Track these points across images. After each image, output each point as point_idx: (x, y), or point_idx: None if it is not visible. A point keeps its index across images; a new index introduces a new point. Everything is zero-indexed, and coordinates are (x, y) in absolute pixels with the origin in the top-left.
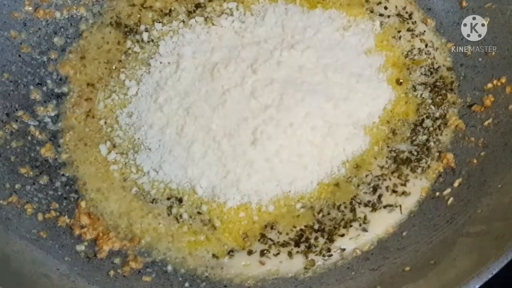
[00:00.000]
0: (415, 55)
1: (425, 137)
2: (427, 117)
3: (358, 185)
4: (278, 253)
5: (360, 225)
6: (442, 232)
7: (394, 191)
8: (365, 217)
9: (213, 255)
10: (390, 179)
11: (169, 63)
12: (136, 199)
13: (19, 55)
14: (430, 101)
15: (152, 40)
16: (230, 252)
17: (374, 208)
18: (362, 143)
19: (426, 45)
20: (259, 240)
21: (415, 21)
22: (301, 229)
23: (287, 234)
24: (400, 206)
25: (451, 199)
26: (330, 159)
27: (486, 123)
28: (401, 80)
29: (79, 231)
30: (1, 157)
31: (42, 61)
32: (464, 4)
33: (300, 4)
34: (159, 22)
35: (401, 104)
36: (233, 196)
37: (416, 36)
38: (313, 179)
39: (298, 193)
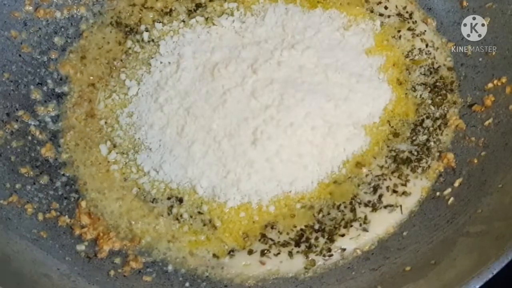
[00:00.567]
0: (415, 55)
1: (425, 137)
2: (427, 117)
3: (359, 185)
4: (279, 253)
5: (360, 225)
6: (442, 232)
7: (394, 191)
8: (365, 217)
9: (214, 255)
10: (390, 179)
11: (169, 63)
12: (136, 199)
13: (20, 55)
14: (430, 101)
15: (153, 40)
16: (231, 252)
17: (374, 208)
18: (362, 143)
19: (427, 45)
20: (259, 240)
21: (416, 21)
22: (301, 229)
23: (287, 234)
24: (401, 206)
25: (451, 199)
26: (330, 159)
27: (486, 123)
28: (401, 81)
29: (79, 231)
30: (2, 157)
31: (43, 61)
32: (464, 4)
33: (300, 4)
34: (160, 22)
35: (401, 104)
36: (233, 196)
37: (417, 36)
38: (313, 179)
39: (299, 193)
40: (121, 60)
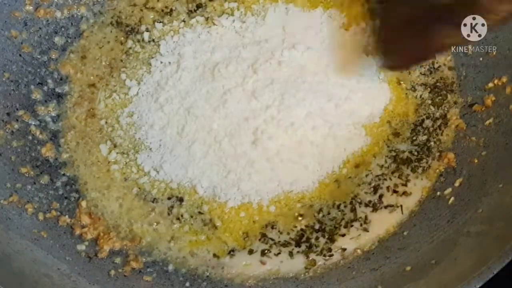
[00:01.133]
0: None
1: (425, 137)
2: (427, 117)
3: (359, 185)
4: (279, 253)
5: (361, 225)
6: (443, 231)
7: (395, 191)
8: (366, 217)
9: (214, 255)
10: (390, 179)
11: (169, 63)
12: (137, 198)
13: (20, 55)
14: (430, 101)
15: (153, 40)
16: (231, 252)
17: (375, 208)
18: (363, 143)
19: None
20: (259, 240)
21: None
22: (301, 229)
23: (288, 234)
24: (401, 206)
25: (452, 198)
26: (331, 159)
27: (487, 122)
28: (401, 81)
29: (79, 231)
30: (2, 156)
31: (43, 61)
32: None
33: (300, 4)
34: (160, 22)
35: (401, 104)
36: (234, 196)
37: None
38: (314, 179)
39: (299, 193)
40: (122, 60)
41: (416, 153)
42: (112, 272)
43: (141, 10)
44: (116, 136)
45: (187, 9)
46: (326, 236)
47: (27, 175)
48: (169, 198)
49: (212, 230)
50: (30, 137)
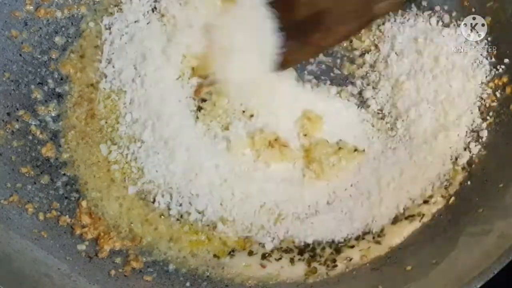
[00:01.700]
0: None
1: None
2: None
3: None
4: (280, 258)
5: (373, 238)
6: (444, 231)
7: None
8: (382, 230)
9: (214, 255)
10: None
11: None
12: (137, 198)
13: (20, 55)
14: None
15: None
16: (231, 252)
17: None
18: None
19: None
20: (259, 244)
21: None
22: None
23: (292, 242)
24: (423, 215)
25: (452, 198)
26: None
27: (487, 122)
28: None
29: (80, 231)
30: (2, 156)
31: (43, 61)
32: (465, 3)
33: None
34: None
35: None
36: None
37: None
38: None
39: None
40: None
41: None
42: (113, 272)
43: None
44: (116, 136)
45: None
46: (333, 247)
47: (27, 175)
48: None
49: (212, 230)
50: (30, 137)
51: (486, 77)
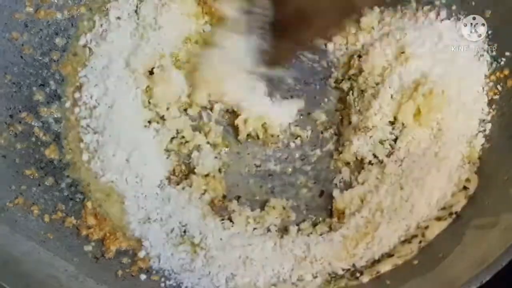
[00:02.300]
0: None
1: None
2: None
3: None
4: None
5: None
6: (450, 225)
7: None
8: None
9: None
10: None
11: None
12: None
13: (21, 57)
14: None
15: None
16: None
17: None
18: None
19: None
20: None
21: None
22: None
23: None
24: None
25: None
26: None
27: (490, 115)
28: None
29: (86, 232)
30: (6, 158)
31: (44, 62)
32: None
33: None
34: None
35: None
36: None
37: None
38: None
39: None
40: None
41: None
42: (120, 272)
43: None
44: None
45: None
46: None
47: (31, 177)
48: None
49: None
50: (33, 139)
51: (488, 70)
